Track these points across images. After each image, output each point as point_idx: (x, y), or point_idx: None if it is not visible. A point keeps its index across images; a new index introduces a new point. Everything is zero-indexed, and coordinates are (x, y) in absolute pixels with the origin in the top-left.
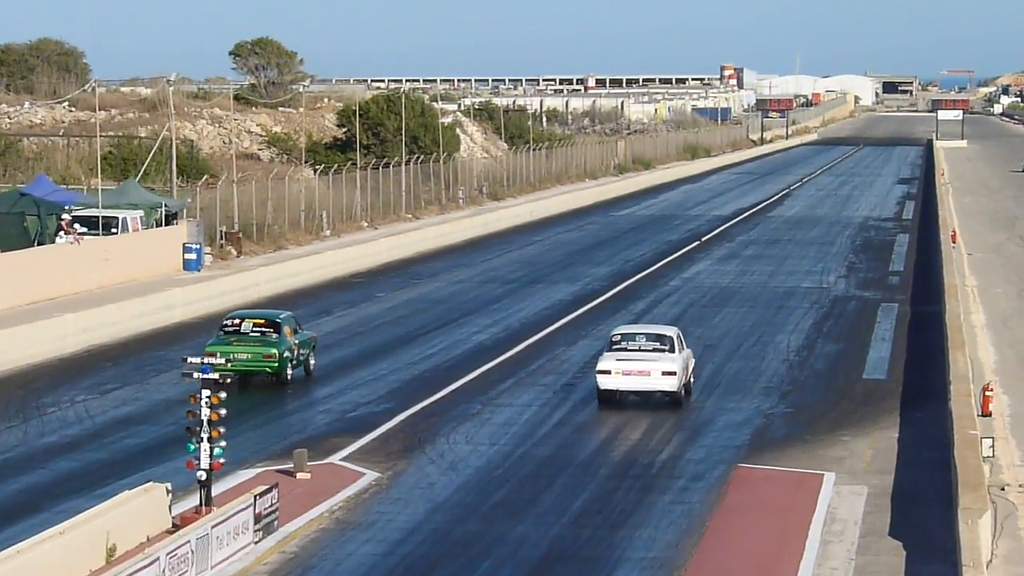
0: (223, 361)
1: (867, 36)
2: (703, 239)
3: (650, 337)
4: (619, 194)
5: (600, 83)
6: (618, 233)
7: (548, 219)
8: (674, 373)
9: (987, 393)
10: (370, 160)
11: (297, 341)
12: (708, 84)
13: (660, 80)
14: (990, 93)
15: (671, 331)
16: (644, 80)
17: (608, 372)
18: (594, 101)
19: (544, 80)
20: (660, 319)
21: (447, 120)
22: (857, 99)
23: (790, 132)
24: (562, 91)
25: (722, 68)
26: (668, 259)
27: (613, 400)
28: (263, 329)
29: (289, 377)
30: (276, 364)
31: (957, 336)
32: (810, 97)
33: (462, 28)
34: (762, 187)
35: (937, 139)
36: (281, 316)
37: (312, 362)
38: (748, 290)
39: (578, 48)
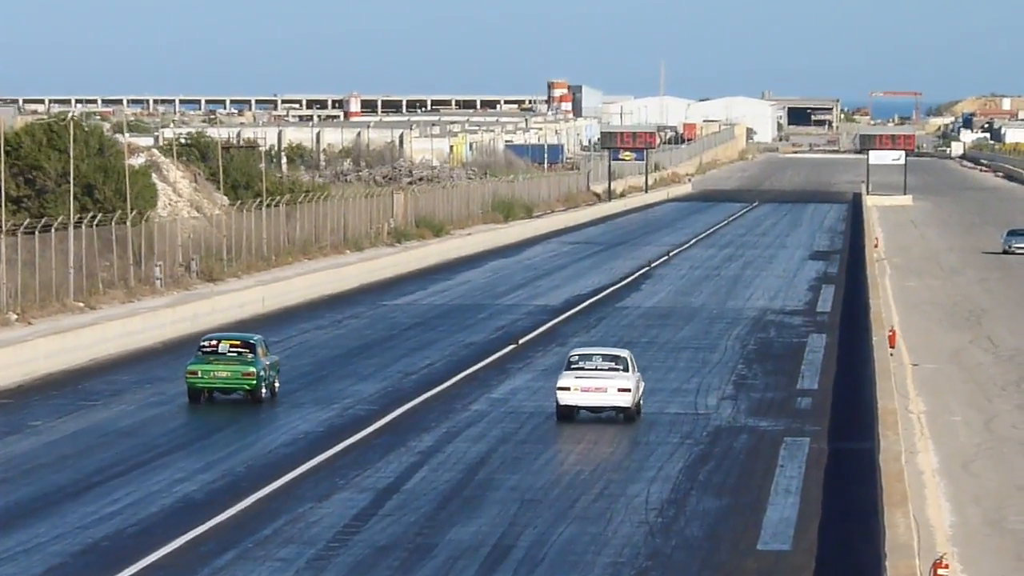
0: None
1: (765, 43)
2: (521, 341)
3: (606, 358)
4: (396, 273)
5: (368, 106)
6: (394, 332)
7: (289, 310)
8: (629, 390)
9: (940, 573)
10: (21, 221)
11: (268, 363)
12: (530, 109)
13: (458, 103)
14: (945, 126)
15: (624, 353)
16: (434, 103)
17: (568, 389)
18: (359, 133)
19: (284, 102)
20: (454, 461)
21: (138, 161)
22: (751, 133)
23: (651, 182)
24: (311, 118)
25: (551, 86)
26: (469, 371)
27: (571, 416)
28: (240, 349)
29: (263, 396)
30: (254, 382)
31: (896, 487)
32: (680, 130)
33: (159, 26)
34: (609, 264)
35: (868, 192)
36: (255, 338)
37: (277, 385)
38: (582, 419)
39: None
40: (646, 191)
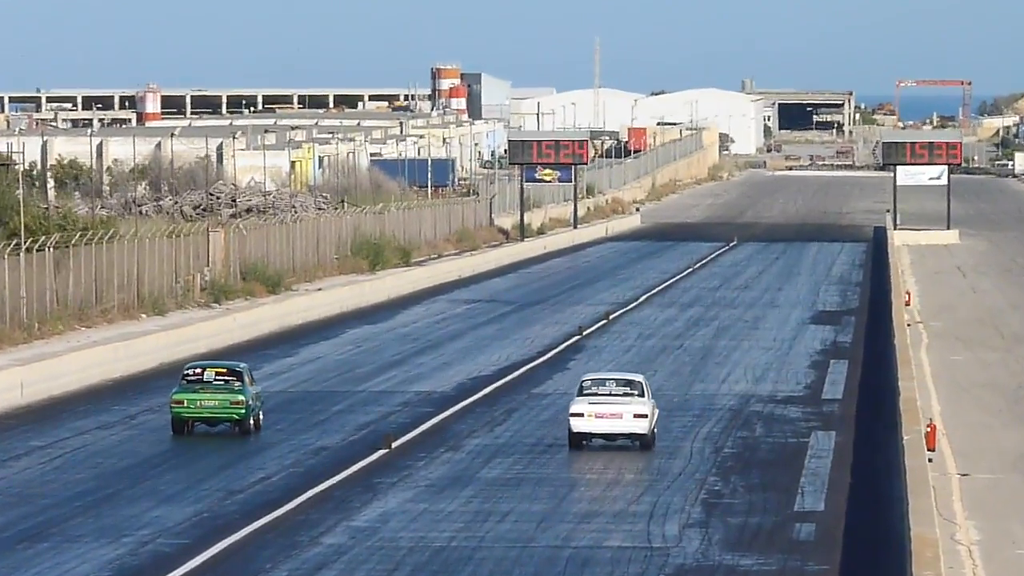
0: None
1: (746, 14)
2: (394, 445)
3: (620, 383)
4: (212, 347)
5: (171, 105)
6: (211, 431)
7: (60, 400)
8: (646, 416)
9: None
10: None
11: (254, 392)
12: (406, 108)
13: (302, 100)
14: (1005, 129)
15: (639, 377)
16: (267, 100)
17: (581, 415)
18: (159, 144)
19: (51, 100)
20: None
21: None
22: (727, 141)
23: (583, 212)
24: (89, 123)
25: (436, 75)
26: (320, 487)
27: (581, 445)
28: (226, 378)
29: (250, 427)
30: (243, 411)
31: None
32: (624, 137)
33: None
34: (522, 332)
35: (896, 226)
36: (241, 366)
37: (261, 416)
38: (485, 562)
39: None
40: (575, 226)
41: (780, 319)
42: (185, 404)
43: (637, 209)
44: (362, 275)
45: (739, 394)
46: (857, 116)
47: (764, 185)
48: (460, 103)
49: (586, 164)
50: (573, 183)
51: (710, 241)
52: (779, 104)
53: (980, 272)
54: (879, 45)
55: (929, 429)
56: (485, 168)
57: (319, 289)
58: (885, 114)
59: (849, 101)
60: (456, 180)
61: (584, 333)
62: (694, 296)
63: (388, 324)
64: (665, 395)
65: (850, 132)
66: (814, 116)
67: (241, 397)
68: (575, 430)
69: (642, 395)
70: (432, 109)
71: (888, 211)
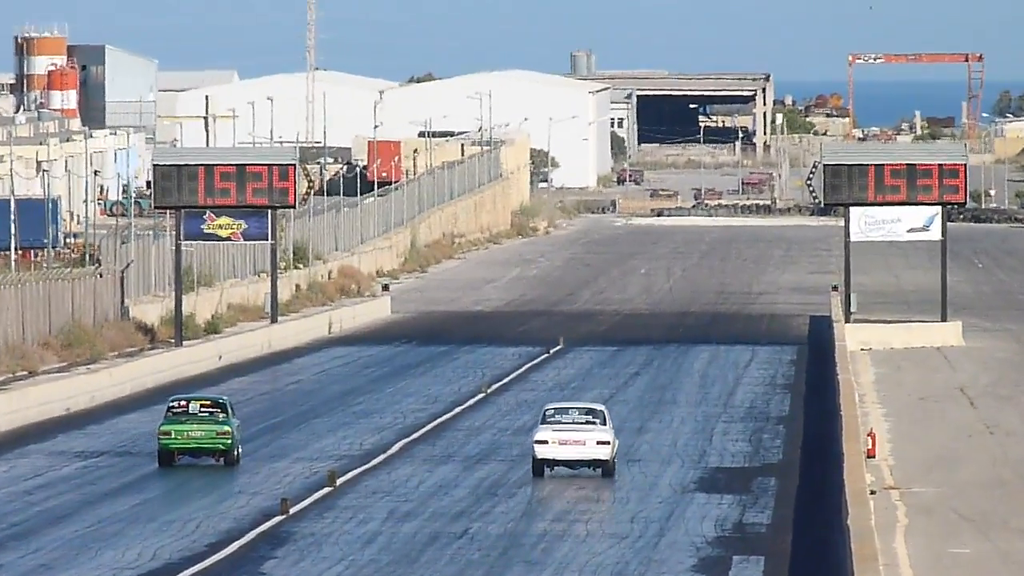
0: None
1: None
2: None
3: (582, 411)
4: None
5: None
6: None
7: None
8: (608, 443)
9: None
10: None
11: (237, 423)
12: None
13: None
14: None
15: (600, 406)
16: None
17: (545, 442)
18: None
19: None
20: None
21: None
22: (546, 165)
23: (288, 295)
24: None
25: (23, 46)
26: None
27: (543, 473)
28: (211, 409)
29: (236, 458)
30: (229, 441)
31: None
32: (359, 159)
33: None
34: (179, 508)
35: (849, 317)
36: (223, 398)
37: (239, 449)
38: None
39: None
40: (274, 319)
41: (641, 483)
42: (172, 435)
43: (385, 288)
44: None
45: None
46: (779, 118)
47: (613, 243)
48: (68, 99)
49: (294, 207)
50: (271, 243)
51: (517, 345)
52: (639, 97)
53: (1000, 397)
54: None
55: None
56: (112, 215)
57: None
58: (828, 114)
59: (764, 92)
60: (61, 237)
61: (289, 511)
62: (488, 443)
63: None
64: None
65: (767, 147)
66: (701, 118)
67: (227, 428)
68: (539, 457)
69: (604, 423)
70: (17, 110)
71: (835, 288)
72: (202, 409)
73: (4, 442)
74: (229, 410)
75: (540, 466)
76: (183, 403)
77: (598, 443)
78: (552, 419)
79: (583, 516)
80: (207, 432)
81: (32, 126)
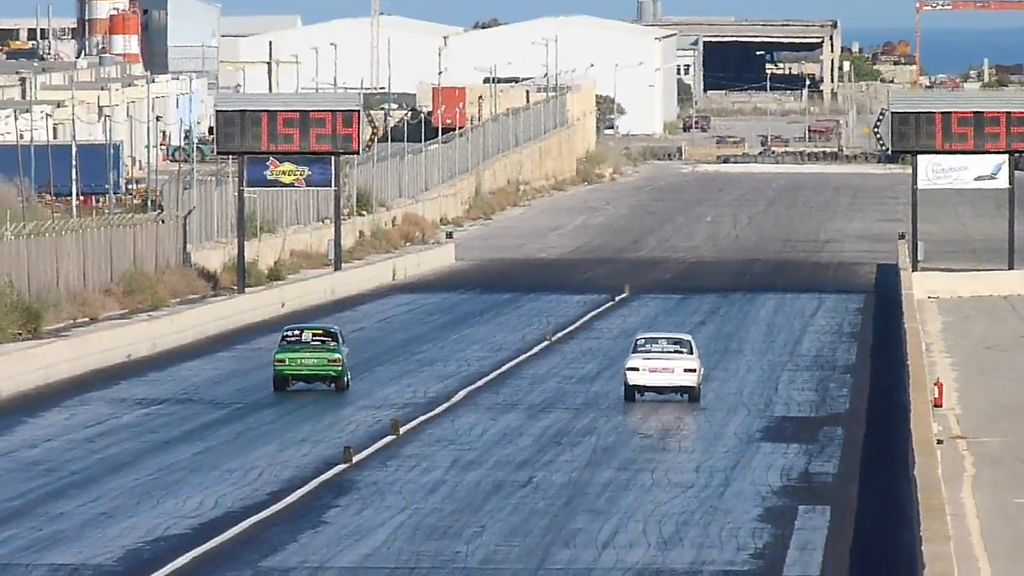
0: None
1: None
2: None
3: (671, 341)
4: None
5: None
6: None
7: None
8: (695, 370)
9: None
10: None
11: (346, 351)
12: (31, 53)
13: None
14: None
15: (687, 336)
16: None
17: (636, 369)
18: None
19: None
20: None
21: None
22: (611, 110)
23: (352, 242)
24: None
25: None
26: None
27: (634, 398)
28: (323, 338)
29: (346, 384)
30: (340, 368)
31: None
32: (423, 105)
33: None
34: (242, 456)
35: (916, 265)
36: (334, 328)
37: (349, 376)
38: None
39: None
40: (337, 266)
41: (707, 432)
42: (287, 362)
43: (449, 235)
44: None
45: (634, 569)
46: (846, 66)
47: (679, 191)
48: (130, 43)
49: (357, 154)
50: (334, 189)
51: (582, 293)
52: (705, 43)
53: None
54: None
55: None
56: (175, 160)
57: None
58: (895, 61)
59: (832, 39)
60: (123, 183)
61: (352, 459)
62: (552, 391)
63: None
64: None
65: (834, 94)
66: (768, 65)
67: (338, 355)
68: (631, 383)
69: (691, 352)
70: (79, 55)
71: (902, 237)
72: (314, 338)
73: (65, 389)
74: (340, 339)
75: (631, 391)
76: (296, 332)
77: (685, 371)
78: (643, 348)
79: (648, 465)
80: (319, 360)
81: (93, 71)
